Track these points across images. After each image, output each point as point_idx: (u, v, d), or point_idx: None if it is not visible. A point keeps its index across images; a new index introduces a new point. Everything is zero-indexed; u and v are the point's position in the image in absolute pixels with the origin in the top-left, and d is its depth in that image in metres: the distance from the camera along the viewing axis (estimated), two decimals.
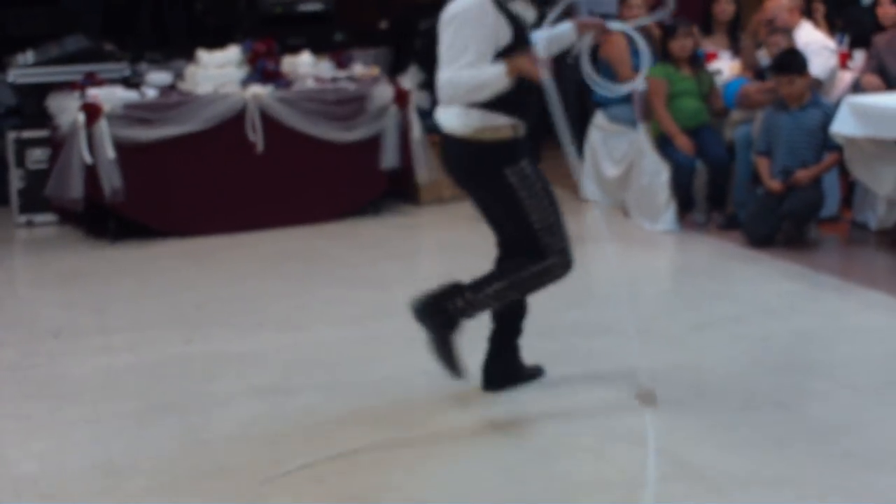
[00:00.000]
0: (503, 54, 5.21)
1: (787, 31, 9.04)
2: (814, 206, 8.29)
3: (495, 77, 5.15)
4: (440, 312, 5.44)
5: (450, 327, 5.45)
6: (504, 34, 5.22)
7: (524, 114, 5.34)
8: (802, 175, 8.22)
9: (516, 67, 5.16)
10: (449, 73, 5.17)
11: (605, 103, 9.84)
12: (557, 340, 6.42)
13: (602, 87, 5.75)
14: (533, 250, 5.38)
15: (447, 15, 5.24)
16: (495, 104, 5.23)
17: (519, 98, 5.26)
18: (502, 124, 5.29)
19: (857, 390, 5.68)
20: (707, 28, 10.27)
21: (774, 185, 8.27)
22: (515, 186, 5.29)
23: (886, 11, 9.31)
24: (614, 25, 5.70)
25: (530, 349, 5.76)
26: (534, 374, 5.81)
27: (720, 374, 5.94)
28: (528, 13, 5.61)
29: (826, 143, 8.23)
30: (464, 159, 5.40)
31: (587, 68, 5.68)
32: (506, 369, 5.73)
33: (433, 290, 5.47)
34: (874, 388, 5.69)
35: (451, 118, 5.35)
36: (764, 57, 9.14)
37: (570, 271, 5.47)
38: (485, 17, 5.16)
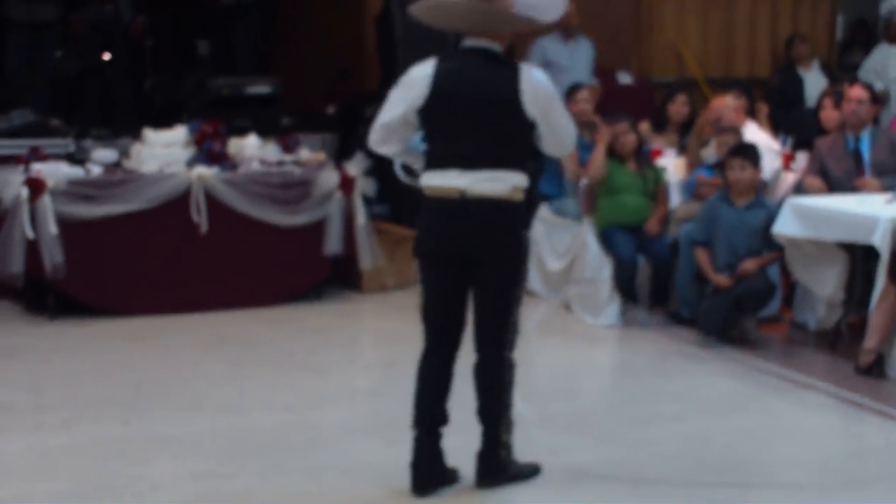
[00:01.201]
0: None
1: (736, 130, 9.16)
2: (769, 287, 8.35)
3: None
4: (504, 470, 5.63)
5: (509, 461, 5.66)
6: None
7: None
8: (749, 265, 8.26)
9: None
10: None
11: (549, 196, 9.90)
12: None
13: None
14: (498, 330, 5.49)
15: (543, 93, 5.45)
16: (526, 167, 5.44)
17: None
18: (524, 186, 5.44)
19: (795, 491, 5.70)
20: (660, 125, 10.39)
21: (722, 279, 8.30)
22: (523, 252, 5.47)
23: (829, 115, 9.44)
24: None
25: (471, 443, 5.69)
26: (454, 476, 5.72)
27: (659, 472, 5.94)
28: None
29: (768, 243, 8.29)
30: (493, 220, 5.39)
31: None
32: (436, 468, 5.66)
33: (484, 473, 5.63)
34: (813, 489, 5.72)
35: (481, 181, 5.35)
36: (711, 155, 9.24)
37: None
38: None
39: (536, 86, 5.40)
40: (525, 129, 5.40)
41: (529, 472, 5.73)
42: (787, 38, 13.31)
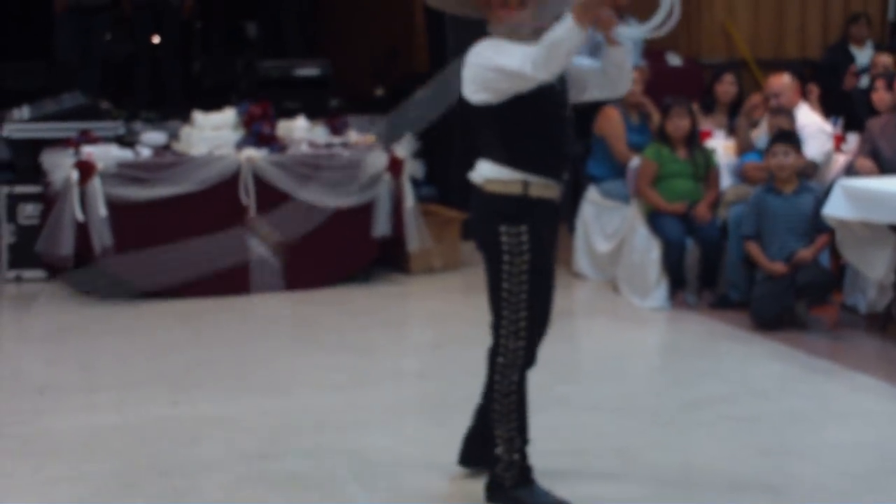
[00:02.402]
0: (519, 101, 4.93)
1: (790, 113, 9.08)
2: (829, 278, 8.31)
3: (566, 29, 4.71)
4: (498, 489, 5.18)
5: (523, 484, 5.17)
6: None
7: (543, 169, 5.03)
8: (806, 254, 8.22)
9: (584, 7, 4.72)
10: (523, 56, 4.81)
11: (598, 178, 9.88)
12: (545, 415, 6.37)
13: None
14: (494, 327, 5.13)
15: (477, 55, 4.96)
16: (507, 157, 4.99)
17: (537, 152, 5.01)
18: (511, 178, 5.00)
19: (845, 475, 5.65)
20: (708, 107, 10.32)
21: (778, 267, 8.25)
22: (503, 248, 5.01)
23: (882, 97, 9.37)
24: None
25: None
26: None
27: (707, 455, 5.90)
28: None
29: (817, 226, 8.25)
30: (473, 209, 5.18)
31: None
32: (485, 449, 5.41)
33: (486, 485, 5.21)
34: (863, 474, 5.66)
35: (474, 170, 5.12)
36: (762, 138, 9.17)
37: (528, 368, 5.17)
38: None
39: (468, 63, 4.98)
40: (481, 115, 4.99)
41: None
42: (852, 16, 13.18)
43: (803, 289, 8.20)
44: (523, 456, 5.19)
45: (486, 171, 5.06)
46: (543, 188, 5.05)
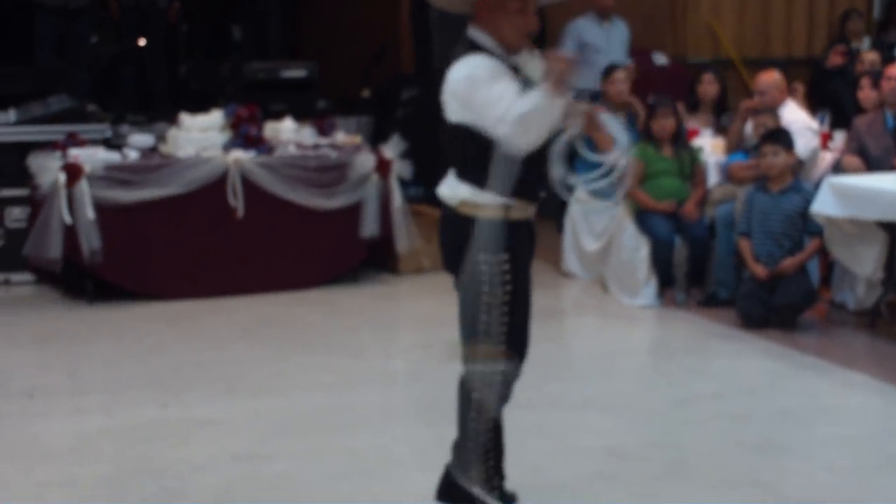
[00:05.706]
0: None
1: (774, 111, 9.08)
2: (808, 296, 8.25)
3: (539, 100, 4.36)
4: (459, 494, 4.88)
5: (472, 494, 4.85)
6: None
7: (523, 192, 4.62)
8: (788, 264, 8.22)
9: (552, 79, 4.35)
10: (502, 113, 4.40)
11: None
12: (535, 413, 6.38)
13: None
14: (465, 357, 4.80)
15: (457, 78, 4.56)
16: (484, 178, 4.54)
17: (518, 174, 4.52)
18: (489, 203, 4.58)
19: (835, 471, 5.66)
20: (693, 106, 10.32)
21: (759, 270, 8.26)
22: (482, 279, 4.60)
23: (867, 95, 9.38)
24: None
25: (508, 422, 5.67)
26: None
27: (698, 452, 5.91)
28: (532, 64, 4.68)
29: (806, 229, 8.24)
30: (445, 229, 4.77)
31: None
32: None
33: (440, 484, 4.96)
34: (853, 469, 5.68)
35: (444, 186, 4.72)
36: (751, 137, 9.17)
37: (504, 403, 4.85)
38: (499, 68, 4.55)
39: (450, 81, 4.58)
40: (459, 135, 4.60)
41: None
42: (844, 13, 13.23)
43: (780, 308, 8.19)
44: (503, 494, 4.90)
45: (461, 193, 4.65)
46: (522, 210, 4.70)
